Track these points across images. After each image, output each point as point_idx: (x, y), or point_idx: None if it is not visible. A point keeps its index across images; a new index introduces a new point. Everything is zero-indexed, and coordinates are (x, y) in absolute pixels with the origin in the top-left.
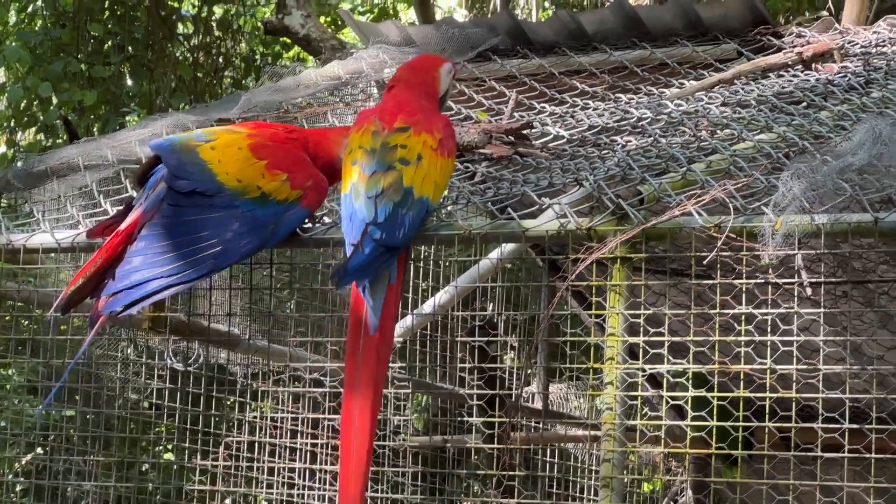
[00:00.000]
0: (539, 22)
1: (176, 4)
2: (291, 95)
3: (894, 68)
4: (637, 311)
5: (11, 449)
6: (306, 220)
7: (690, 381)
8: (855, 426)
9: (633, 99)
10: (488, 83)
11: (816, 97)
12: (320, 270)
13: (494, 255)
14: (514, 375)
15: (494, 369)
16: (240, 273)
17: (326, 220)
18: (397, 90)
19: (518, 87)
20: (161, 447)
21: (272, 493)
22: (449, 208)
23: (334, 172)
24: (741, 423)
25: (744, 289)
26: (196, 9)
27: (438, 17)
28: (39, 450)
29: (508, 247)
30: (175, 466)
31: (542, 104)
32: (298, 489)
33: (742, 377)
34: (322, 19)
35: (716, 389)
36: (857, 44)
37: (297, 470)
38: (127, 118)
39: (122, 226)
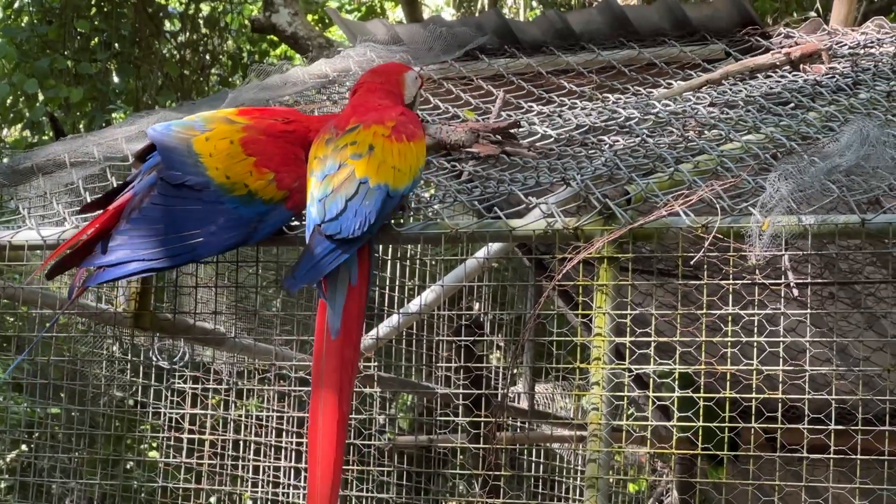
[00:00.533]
0: (527, 21)
1: (163, 1)
2: (279, 93)
3: (882, 70)
4: (624, 312)
5: None
6: (292, 220)
7: (677, 382)
8: (841, 427)
9: (620, 99)
10: (476, 82)
11: (804, 98)
12: None
13: (481, 254)
14: (500, 375)
15: (481, 369)
16: (226, 271)
17: None
18: (358, 95)
19: (505, 86)
20: (146, 445)
21: (257, 492)
22: (436, 207)
23: None
24: (727, 424)
25: (731, 289)
26: (183, 6)
27: (426, 15)
28: (24, 447)
29: (495, 246)
30: (160, 465)
31: (530, 103)
32: (283, 488)
33: (728, 378)
34: (309, 17)
35: (702, 390)
36: (846, 45)
37: (282, 469)
38: (113, 115)
39: (113, 204)
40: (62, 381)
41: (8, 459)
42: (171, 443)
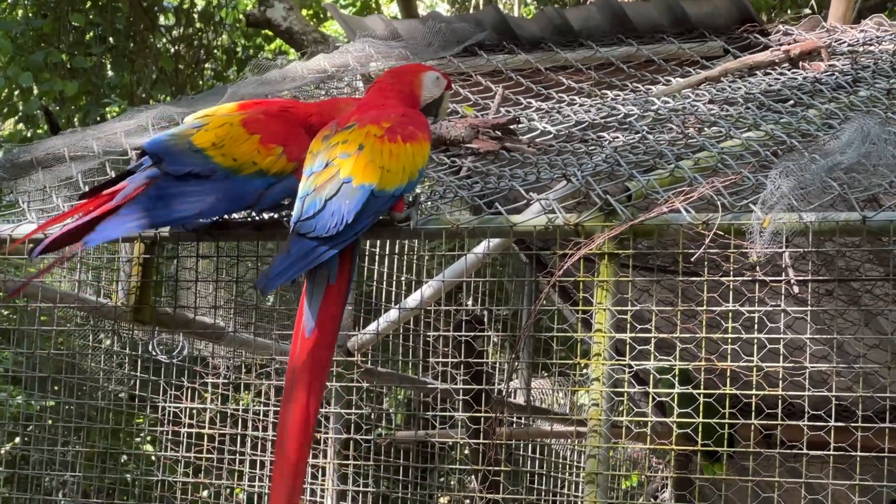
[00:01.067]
0: (526, 17)
1: None
2: (277, 88)
3: (882, 67)
4: (623, 308)
5: None
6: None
7: (676, 378)
8: (841, 424)
9: (619, 95)
10: (474, 78)
11: (804, 95)
12: None
13: (480, 249)
14: (498, 370)
15: (480, 364)
16: (225, 265)
17: None
18: (368, 94)
19: (504, 82)
20: (141, 438)
21: (254, 486)
22: (436, 202)
23: None
24: (726, 421)
25: (731, 286)
26: (178, 0)
27: (421, 11)
28: (20, 440)
29: (493, 242)
30: (155, 458)
31: (529, 100)
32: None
33: (728, 374)
34: (304, 12)
35: (701, 386)
36: (845, 42)
37: None
38: (108, 109)
39: (108, 191)
40: (60, 375)
41: (2, 451)
42: (169, 437)
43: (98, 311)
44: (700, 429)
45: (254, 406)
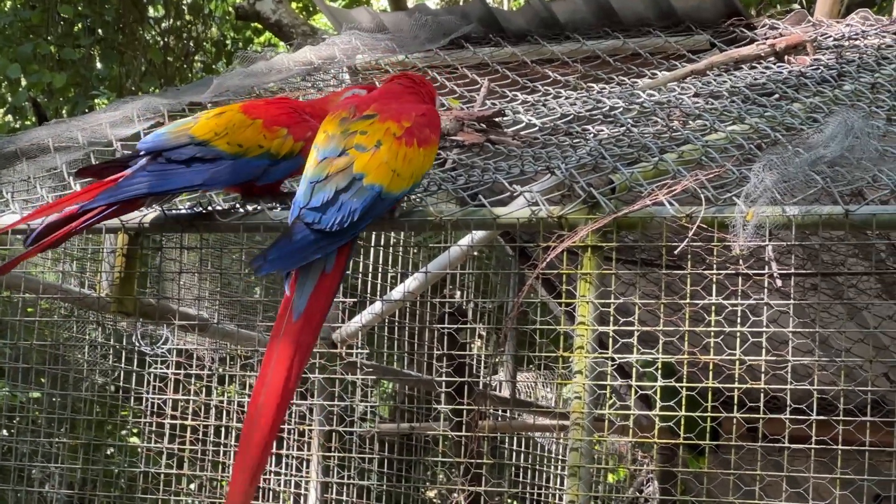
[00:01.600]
0: (512, 10)
1: None
2: (263, 80)
3: (867, 61)
4: (607, 301)
5: None
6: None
7: (659, 371)
8: (822, 417)
9: (605, 88)
10: (460, 70)
11: (789, 89)
12: None
13: (465, 241)
14: (483, 363)
15: (463, 356)
16: (209, 257)
17: None
18: (390, 84)
19: (490, 74)
20: (126, 430)
21: None
22: (420, 195)
23: None
24: (709, 414)
25: (714, 279)
26: None
27: (410, 4)
28: (4, 432)
29: (478, 234)
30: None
31: (514, 92)
32: (265, 474)
33: (711, 367)
34: (293, 5)
35: (685, 379)
36: (830, 36)
37: None
38: (96, 101)
39: (106, 179)
40: (44, 366)
41: None
42: (153, 428)
43: (82, 302)
44: (682, 422)
45: (238, 398)
